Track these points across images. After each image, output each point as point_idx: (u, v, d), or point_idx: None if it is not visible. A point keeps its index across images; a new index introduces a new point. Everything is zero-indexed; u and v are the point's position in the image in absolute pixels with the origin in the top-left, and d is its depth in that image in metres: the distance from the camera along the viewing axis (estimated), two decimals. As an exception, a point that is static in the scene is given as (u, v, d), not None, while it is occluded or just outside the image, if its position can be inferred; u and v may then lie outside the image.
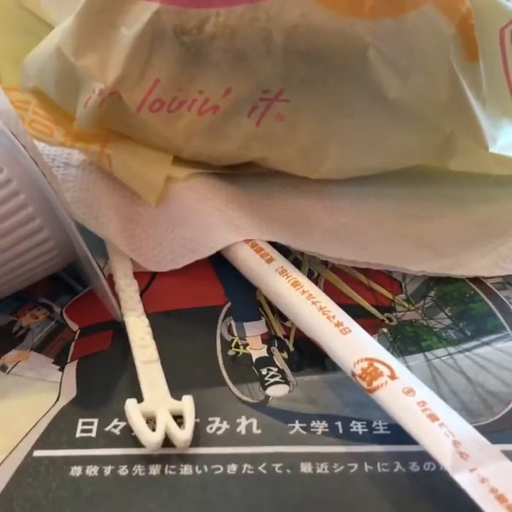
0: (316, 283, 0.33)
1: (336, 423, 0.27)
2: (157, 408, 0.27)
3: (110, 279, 0.33)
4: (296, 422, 0.27)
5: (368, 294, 0.32)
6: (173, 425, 0.26)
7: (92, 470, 0.25)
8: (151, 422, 0.26)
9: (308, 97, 0.32)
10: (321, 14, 0.30)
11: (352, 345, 0.27)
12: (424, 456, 0.25)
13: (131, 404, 0.27)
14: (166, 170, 0.36)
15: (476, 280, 0.33)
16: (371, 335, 0.30)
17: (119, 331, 0.30)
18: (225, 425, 0.27)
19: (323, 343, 0.28)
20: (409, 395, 0.25)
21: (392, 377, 0.26)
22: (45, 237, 0.29)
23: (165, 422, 0.26)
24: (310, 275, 0.33)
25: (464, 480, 0.23)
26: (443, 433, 0.24)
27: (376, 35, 0.31)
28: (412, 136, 0.34)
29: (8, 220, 0.28)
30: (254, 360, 0.30)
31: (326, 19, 0.30)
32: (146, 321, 0.30)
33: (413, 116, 0.33)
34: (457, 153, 0.34)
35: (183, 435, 0.26)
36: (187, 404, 0.27)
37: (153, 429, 0.26)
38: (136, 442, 0.26)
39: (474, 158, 0.34)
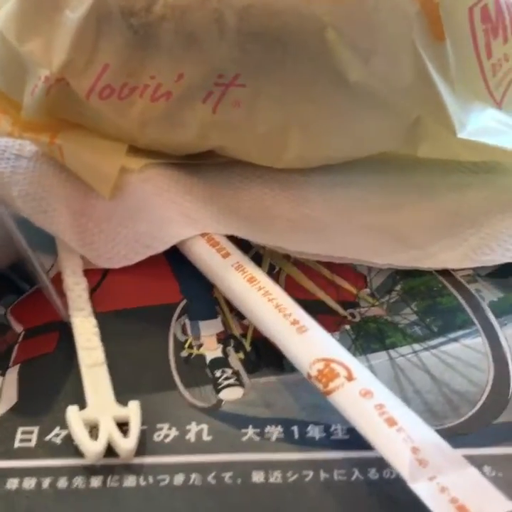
0: (277, 278, 0.31)
1: (292, 428, 0.25)
2: (100, 415, 0.25)
3: (58, 277, 0.31)
4: (250, 427, 0.25)
5: (331, 289, 0.31)
6: (116, 433, 0.24)
7: (29, 482, 0.24)
8: (95, 430, 0.25)
9: (265, 82, 0.31)
10: (275, -7, 0.28)
11: (308, 344, 0.26)
12: (383, 463, 0.23)
13: (72, 412, 0.25)
14: (120, 160, 0.34)
15: (445, 272, 0.32)
16: (333, 332, 0.29)
17: (66, 332, 0.29)
18: (173, 432, 0.25)
19: (278, 342, 0.26)
20: (366, 397, 0.24)
21: (350, 378, 0.24)
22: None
23: (108, 431, 0.24)
24: (271, 270, 0.32)
25: (422, 489, 0.21)
26: (401, 439, 0.22)
27: (335, 15, 0.29)
28: (377, 121, 0.32)
29: None
30: (208, 361, 0.28)
31: (281, -1, 0.28)
32: (93, 322, 0.29)
33: (377, 101, 0.31)
34: (425, 140, 0.32)
35: (126, 444, 0.24)
36: (133, 411, 0.25)
37: (97, 438, 0.24)
38: (77, 452, 0.24)
39: (443, 145, 0.33)
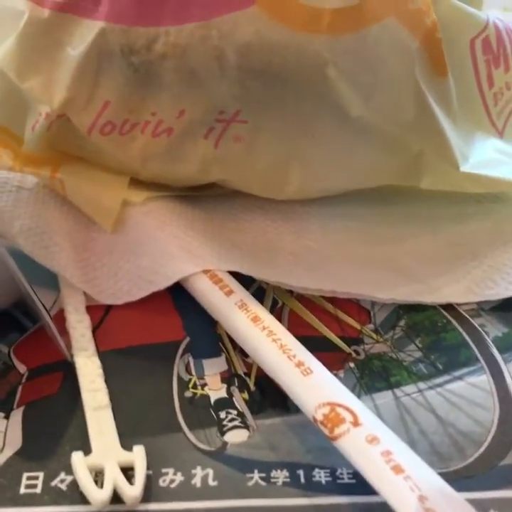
0: (281, 313, 0.31)
1: (298, 472, 0.25)
2: (105, 461, 0.25)
3: (61, 314, 0.31)
4: (256, 471, 0.25)
5: (335, 325, 0.31)
6: (122, 480, 0.24)
7: (36, 531, 0.24)
8: (100, 475, 0.25)
9: (266, 118, 0.31)
10: (275, 31, 0.28)
11: (313, 387, 0.25)
12: (390, 509, 0.23)
13: (77, 458, 0.25)
14: (122, 194, 0.34)
15: (449, 307, 0.31)
16: (337, 371, 0.29)
17: (69, 371, 0.29)
18: (179, 477, 0.25)
19: (283, 384, 0.26)
20: (373, 443, 0.23)
21: (356, 423, 0.24)
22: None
23: (113, 477, 0.24)
24: (274, 304, 0.32)
25: (430, 540, 0.21)
26: (408, 487, 0.22)
27: (335, 51, 0.29)
28: (379, 155, 0.32)
29: None
30: (212, 401, 0.28)
31: (281, 36, 0.28)
32: (97, 362, 0.28)
33: (378, 135, 0.31)
34: (428, 173, 0.32)
35: (132, 491, 0.24)
36: (138, 456, 0.25)
37: (102, 485, 0.24)
38: (83, 499, 0.24)
39: (446, 177, 0.32)
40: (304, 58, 0.29)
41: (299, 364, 0.26)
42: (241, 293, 0.29)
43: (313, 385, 0.26)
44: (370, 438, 0.24)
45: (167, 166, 0.33)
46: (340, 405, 0.25)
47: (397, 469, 0.23)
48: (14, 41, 0.30)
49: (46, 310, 0.27)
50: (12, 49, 0.30)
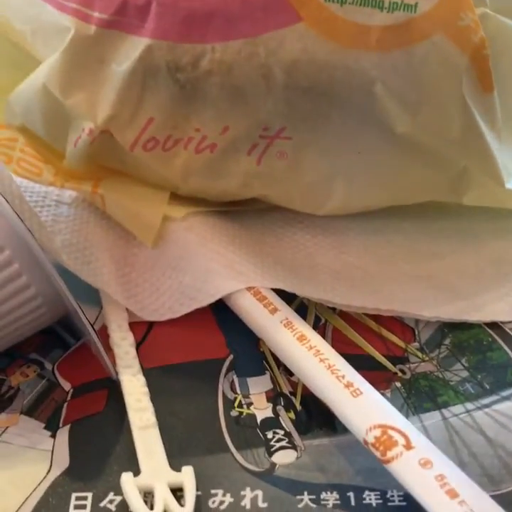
0: (324, 330, 0.31)
1: (348, 494, 0.25)
2: (155, 482, 0.25)
3: (104, 331, 0.31)
4: (305, 493, 0.25)
5: (379, 343, 0.30)
6: (172, 502, 0.24)
7: (86, 552, 0.24)
8: (149, 496, 0.25)
9: (311, 134, 0.30)
10: (323, 48, 0.28)
11: (364, 409, 0.25)
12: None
13: (126, 479, 0.25)
14: (162, 209, 0.34)
15: (494, 324, 0.31)
16: (384, 390, 0.28)
17: (114, 389, 0.29)
18: (228, 498, 0.25)
19: (332, 406, 0.26)
20: (426, 467, 0.23)
21: (408, 447, 0.24)
22: (32, 294, 0.27)
23: (164, 499, 0.24)
24: (317, 321, 0.31)
25: None
26: (464, 512, 0.22)
27: (383, 69, 0.28)
28: (423, 171, 0.31)
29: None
30: (258, 421, 0.28)
31: (328, 53, 0.28)
32: (142, 380, 0.28)
33: (423, 151, 0.31)
34: (471, 189, 0.32)
35: (183, 513, 0.24)
36: (187, 477, 0.25)
37: (152, 506, 0.24)
38: (133, 520, 0.24)
39: (489, 193, 0.32)
40: (351, 75, 0.28)
41: (348, 385, 0.26)
42: (286, 311, 0.29)
43: (364, 406, 0.25)
44: (423, 461, 0.23)
45: (208, 182, 0.33)
46: (392, 428, 0.24)
47: (452, 493, 0.22)
48: (59, 57, 0.30)
49: (93, 328, 0.27)
50: (56, 65, 0.30)
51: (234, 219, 0.35)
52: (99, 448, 0.27)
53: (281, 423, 0.27)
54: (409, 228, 0.35)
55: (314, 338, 0.28)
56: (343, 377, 0.26)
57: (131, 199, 0.34)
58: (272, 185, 0.33)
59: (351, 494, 0.25)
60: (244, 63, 0.29)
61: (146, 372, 0.29)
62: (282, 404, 0.28)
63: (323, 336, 0.30)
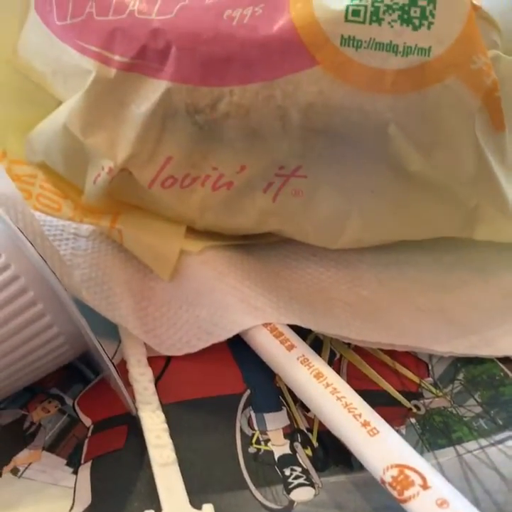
0: (339, 365, 0.32)
1: (366, 532, 0.26)
2: (177, 520, 0.25)
3: (123, 366, 0.31)
4: (324, 531, 0.26)
5: (394, 378, 0.31)
6: (194, 540, 0.25)
7: None
8: (170, 533, 0.25)
9: (326, 173, 0.31)
10: (338, 91, 0.29)
11: (381, 449, 0.26)
12: None
13: (149, 518, 0.25)
14: (179, 243, 0.34)
15: (506, 359, 0.32)
16: (399, 426, 0.29)
17: (134, 424, 0.29)
18: (248, 536, 0.26)
19: (349, 444, 0.27)
20: (443, 507, 0.24)
21: (425, 486, 0.24)
22: (54, 333, 0.28)
23: (185, 537, 0.25)
24: (332, 356, 0.32)
25: None
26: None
27: (397, 111, 0.29)
28: (435, 209, 0.32)
29: (16, 318, 0.27)
30: (276, 458, 0.28)
31: (343, 96, 0.29)
32: (161, 417, 0.29)
33: (436, 189, 0.31)
34: (482, 225, 0.33)
35: (204, 552, 0.25)
36: (208, 516, 0.26)
37: (173, 544, 0.25)
38: (156, 558, 0.25)
39: (501, 229, 0.33)
40: (365, 117, 0.29)
41: (365, 424, 0.26)
42: (302, 347, 0.30)
43: (380, 446, 0.26)
44: (439, 501, 0.24)
45: (224, 217, 0.33)
46: (408, 468, 0.25)
47: (468, 534, 0.23)
48: (80, 99, 0.31)
49: (113, 365, 0.28)
50: (77, 106, 0.31)
51: (249, 252, 0.35)
52: (120, 485, 0.27)
53: (298, 460, 0.28)
54: (421, 260, 0.36)
55: (331, 375, 0.28)
56: (360, 415, 0.27)
57: (148, 233, 0.34)
58: (286, 221, 0.33)
59: (369, 532, 0.26)
60: (261, 106, 0.29)
61: (165, 407, 0.30)
62: (299, 440, 0.29)
63: (339, 371, 0.31)
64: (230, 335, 0.31)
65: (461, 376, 0.31)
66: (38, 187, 0.35)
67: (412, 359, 0.32)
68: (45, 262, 0.26)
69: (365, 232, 0.33)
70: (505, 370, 0.31)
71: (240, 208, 0.33)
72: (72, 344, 0.29)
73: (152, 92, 0.30)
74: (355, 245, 0.35)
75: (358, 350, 0.32)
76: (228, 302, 0.32)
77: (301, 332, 0.31)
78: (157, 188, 0.32)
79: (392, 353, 0.32)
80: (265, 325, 0.31)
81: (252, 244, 0.35)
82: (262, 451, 0.28)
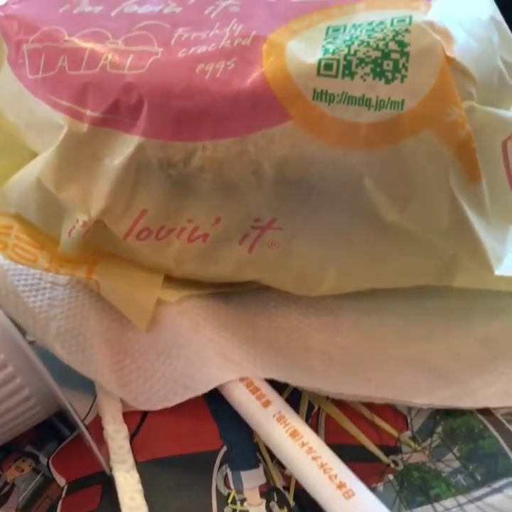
0: (317, 418, 0.31)
1: None
2: None
3: (98, 422, 0.31)
4: None
5: (372, 432, 0.31)
6: None
7: None
8: None
9: (301, 225, 0.31)
10: (311, 145, 0.29)
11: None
12: None
13: None
14: (156, 293, 0.34)
15: (485, 410, 0.31)
16: (376, 484, 0.29)
17: (108, 484, 0.29)
18: None
19: (324, 506, 0.26)
20: None
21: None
22: (26, 395, 0.27)
23: None
24: (310, 408, 0.32)
25: None
26: None
27: (371, 164, 0.29)
28: (412, 258, 0.32)
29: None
30: (252, 518, 0.28)
31: (317, 150, 0.29)
32: (136, 477, 0.29)
33: (412, 240, 0.31)
34: (461, 273, 0.32)
35: None
36: None
37: None
38: None
39: (479, 278, 0.33)
40: (340, 171, 0.29)
41: (341, 486, 0.26)
42: (279, 404, 0.29)
43: (356, 509, 0.26)
44: None
45: (201, 267, 0.33)
46: (383, 532, 0.25)
47: None
48: (52, 153, 0.30)
49: (86, 427, 0.27)
50: (50, 161, 0.30)
51: (227, 300, 0.35)
52: (93, 549, 0.27)
53: (274, 520, 0.28)
54: (401, 307, 0.35)
55: (307, 433, 0.28)
56: (336, 476, 0.26)
57: (125, 283, 0.34)
58: (264, 271, 0.33)
59: None
60: (234, 160, 0.29)
61: (140, 466, 0.29)
62: (276, 500, 0.28)
63: (317, 424, 0.31)
64: (207, 389, 0.31)
65: (439, 429, 0.31)
66: (14, 237, 0.34)
67: (391, 411, 0.31)
68: (16, 324, 0.26)
69: (343, 282, 0.33)
70: (485, 422, 0.31)
71: (217, 258, 0.32)
72: (44, 405, 0.28)
73: (125, 146, 0.30)
74: (335, 292, 0.34)
75: (337, 402, 0.32)
76: (205, 355, 0.32)
77: (280, 383, 0.31)
78: (132, 239, 0.32)
79: (370, 405, 0.31)
80: (242, 379, 0.31)
81: (230, 292, 0.35)
82: (238, 511, 0.28)
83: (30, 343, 0.31)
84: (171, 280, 0.35)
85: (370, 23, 0.29)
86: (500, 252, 0.32)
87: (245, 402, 0.30)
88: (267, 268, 0.33)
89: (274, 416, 0.29)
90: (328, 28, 0.30)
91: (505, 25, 0.33)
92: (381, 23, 0.29)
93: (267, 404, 0.29)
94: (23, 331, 0.28)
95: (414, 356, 0.33)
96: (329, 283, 0.33)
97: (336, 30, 0.30)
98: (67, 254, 0.34)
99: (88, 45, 0.30)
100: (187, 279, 0.35)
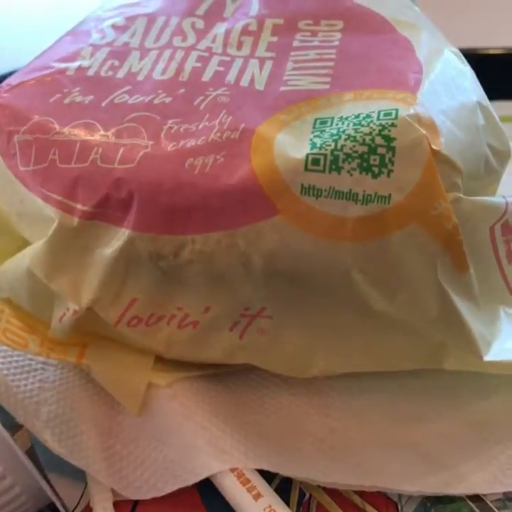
0: (308, 506, 0.31)
1: None
2: None
3: (89, 509, 0.31)
4: None
5: (363, 521, 0.31)
6: None
7: None
8: None
9: (291, 314, 0.31)
10: (300, 239, 0.29)
11: None
12: None
13: None
14: (147, 376, 0.34)
15: (476, 496, 0.31)
16: None
17: None
18: None
19: None
20: None
21: None
22: (16, 493, 0.28)
23: None
24: (302, 495, 0.32)
25: None
26: None
27: (359, 257, 0.29)
28: (402, 345, 0.32)
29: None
30: None
31: (305, 244, 0.29)
32: None
33: (402, 328, 0.31)
34: (450, 359, 0.33)
35: None
36: None
37: None
38: None
39: (469, 363, 0.33)
40: (328, 264, 0.29)
41: None
42: (270, 497, 0.29)
43: None
44: None
45: (192, 352, 0.33)
46: None
47: None
48: (43, 245, 0.31)
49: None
50: (41, 252, 0.31)
51: (218, 382, 0.35)
52: None
53: None
54: (394, 387, 0.35)
55: (297, 529, 0.28)
56: None
57: (115, 366, 0.34)
58: (255, 356, 0.33)
59: None
60: (224, 253, 0.29)
61: (131, 560, 0.29)
62: None
63: (308, 513, 0.31)
64: (197, 479, 0.31)
65: (430, 518, 0.31)
66: (5, 322, 0.34)
67: (382, 499, 0.31)
68: (2, 425, 0.26)
69: (333, 366, 0.33)
70: (475, 508, 0.31)
71: (207, 344, 0.32)
72: (34, 501, 0.29)
73: (115, 239, 0.30)
74: (325, 375, 0.34)
75: (328, 489, 0.32)
76: (196, 443, 0.32)
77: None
78: (123, 326, 0.32)
79: (361, 493, 0.31)
80: (232, 470, 0.31)
81: (222, 373, 0.35)
82: None
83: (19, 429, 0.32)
84: (162, 362, 0.35)
85: (357, 116, 0.30)
86: (490, 336, 0.33)
87: (236, 493, 0.30)
88: (258, 353, 0.33)
89: (264, 509, 0.29)
90: (315, 120, 0.30)
91: (491, 109, 0.34)
92: (368, 116, 0.30)
93: (257, 496, 0.29)
94: (11, 425, 0.28)
95: (403, 440, 0.33)
96: (319, 367, 0.33)
97: (324, 122, 0.30)
98: (58, 338, 0.34)
99: (79, 137, 0.31)
100: (178, 361, 0.35)
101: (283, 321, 0.31)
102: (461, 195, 0.30)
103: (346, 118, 0.30)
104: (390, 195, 0.29)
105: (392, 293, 0.30)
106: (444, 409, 0.34)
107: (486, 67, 0.64)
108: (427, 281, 0.30)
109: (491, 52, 0.64)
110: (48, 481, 0.30)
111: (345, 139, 0.29)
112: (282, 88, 0.33)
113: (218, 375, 0.35)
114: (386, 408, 0.35)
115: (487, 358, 0.32)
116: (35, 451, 0.32)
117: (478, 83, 0.35)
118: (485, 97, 0.34)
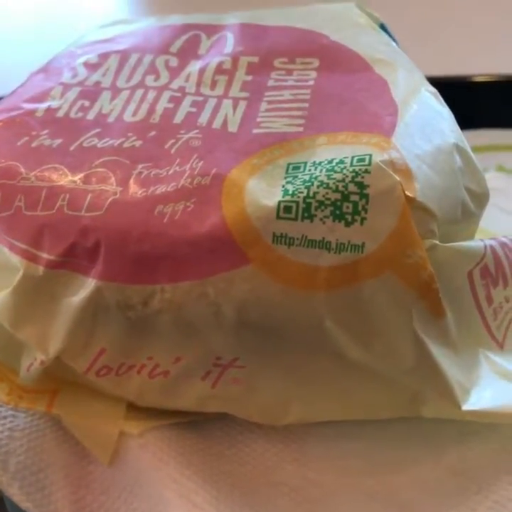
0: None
1: None
2: None
3: None
4: None
5: None
6: None
7: None
8: None
9: (263, 364, 0.30)
10: (271, 289, 0.28)
11: None
12: None
13: None
14: (118, 425, 0.33)
15: (456, 550, 0.31)
16: None
17: None
18: None
19: None
20: None
21: None
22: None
23: None
24: (275, 550, 0.31)
25: None
26: None
27: (331, 306, 0.29)
28: (378, 393, 0.31)
29: None
30: None
31: (276, 293, 0.28)
32: None
33: (377, 376, 0.30)
34: (427, 407, 0.32)
35: None
36: None
37: None
38: None
39: (447, 411, 0.32)
40: (300, 314, 0.29)
41: None
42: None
43: None
44: None
45: (163, 400, 0.32)
46: None
47: None
48: (8, 295, 0.30)
49: None
50: (6, 302, 0.30)
51: (192, 429, 0.34)
52: None
53: None
54: (371, 433, 0.34)
55: None
56: None
57: (87, 415, 0.33)
58: (228, 405, 0.32)
59: None
60: (194, 303, 0.29)
61: None
62: None
63: None
64: (168, 534, 0.30)
65: None
66: (-28, 374, 0.34)
67: (358, 554, 0.31)
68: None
69: (308, 415, 0.32)
70: None
71: (179, 393, 0.32)
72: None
73: (82, 288, 0.29)
74: (300, 423, 0.34)
75: (303, 543, 0.31)
76: (167, 497, 0.31)
77: None
78: (92, 375, 0.31)
79: (336, 549, 0.31)
80: (204, 524, 0.30)
81: (195, 420, 0.34)
82: None
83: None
84: (134, 409, 0.34)
85: (331, 162, 0.29)
86: (468, 384, 0.32)
87: (207, 551, 0.29)
88: (232, 402, 0.32)
89: None
90: (288, 165, 0.30)
91: (469, 151, 0.33)
92: (341, 161, 0.29)
93: (228, 555, 0.29)
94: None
95: (381, 488, 0.32)
96: (294, 416, 0.32)
97: (296, 167, 0.30)
98: (27, 386, 0.33)
99: (46, 183, 0.30)
100: (151, 408, 0.34)
101: (256, 370, 0.30)
102: (437, 242, 0.29)
103: (319, 163, 0.29)
104: (363, 243, 0.28)
105: (367, 342, 0.29)
106: (422, 455, 0.34)
107: (470, 94, 0.64)
108: (403, 329, 0.29)
109: (475, 79, 0.64)
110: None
111: (318, 186, 0.28)
112: (255, 130, 0.32)
113: (193, 422, 0.34)
114: (363, 456, 0.34)
115: (465, 407, 0.31)
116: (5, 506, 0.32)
117: (456, 123, 0.34)
118: (463, 138, 0.33)
